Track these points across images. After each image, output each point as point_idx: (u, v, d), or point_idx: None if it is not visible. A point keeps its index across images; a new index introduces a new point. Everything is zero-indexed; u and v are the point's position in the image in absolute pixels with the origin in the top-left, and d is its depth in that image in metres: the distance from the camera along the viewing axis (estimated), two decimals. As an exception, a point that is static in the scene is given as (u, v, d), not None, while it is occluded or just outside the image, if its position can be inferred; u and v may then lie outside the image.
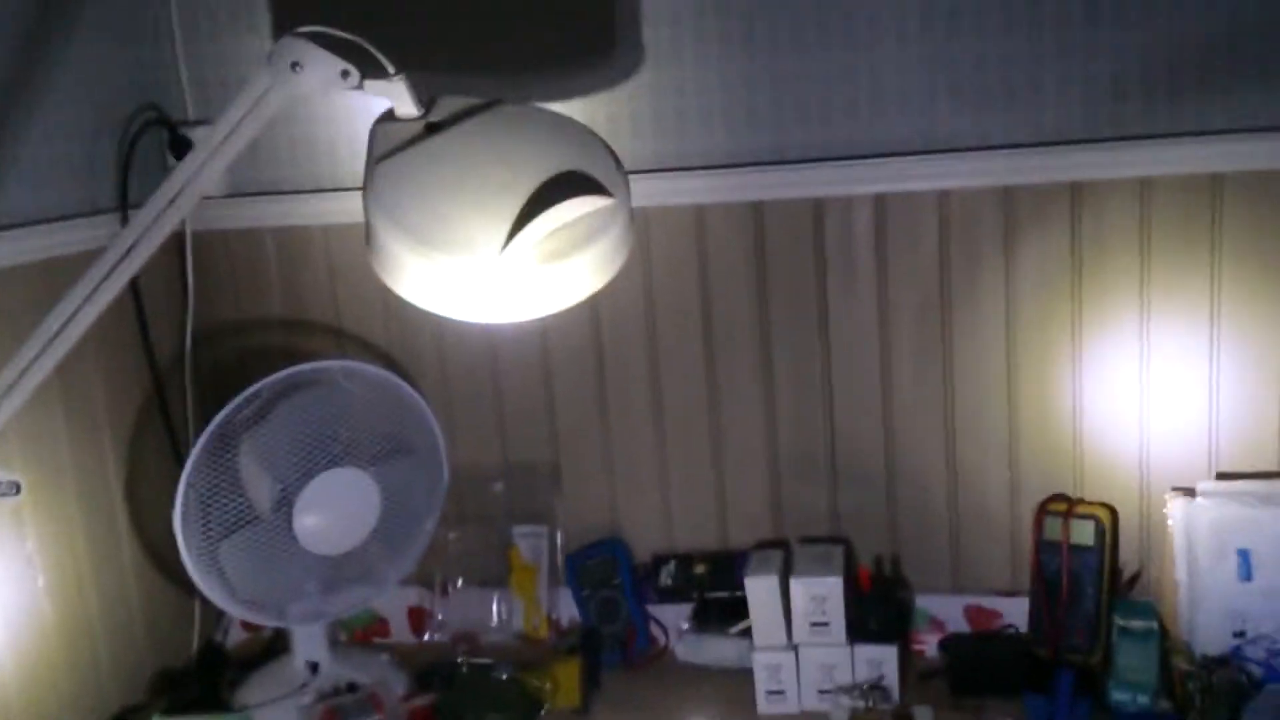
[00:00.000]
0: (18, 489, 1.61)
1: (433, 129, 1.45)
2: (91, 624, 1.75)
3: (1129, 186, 1.61)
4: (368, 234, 1.45)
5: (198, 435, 1.60)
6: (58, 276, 1.46)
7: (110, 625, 1.78)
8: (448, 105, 1.49)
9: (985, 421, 1.74)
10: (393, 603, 1.93)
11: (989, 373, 1.72)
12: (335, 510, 1.68)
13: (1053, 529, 1.68)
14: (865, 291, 1.74)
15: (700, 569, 1.83)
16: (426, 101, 1.45)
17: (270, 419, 1.65)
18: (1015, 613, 1.74)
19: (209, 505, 1.62)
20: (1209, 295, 1.62)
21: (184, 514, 1.60)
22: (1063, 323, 1.68)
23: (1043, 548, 1.69)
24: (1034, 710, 1.56)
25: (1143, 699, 1.52)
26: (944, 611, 1.78)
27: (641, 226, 1.74)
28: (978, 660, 1.67)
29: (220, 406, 1.60)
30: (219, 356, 1.97)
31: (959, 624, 1.77)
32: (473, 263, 1.37)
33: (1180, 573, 1.60)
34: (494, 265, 1.37)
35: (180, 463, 1.61)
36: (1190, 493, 1.62)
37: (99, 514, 1.77)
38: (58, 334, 1.34)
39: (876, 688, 1.61)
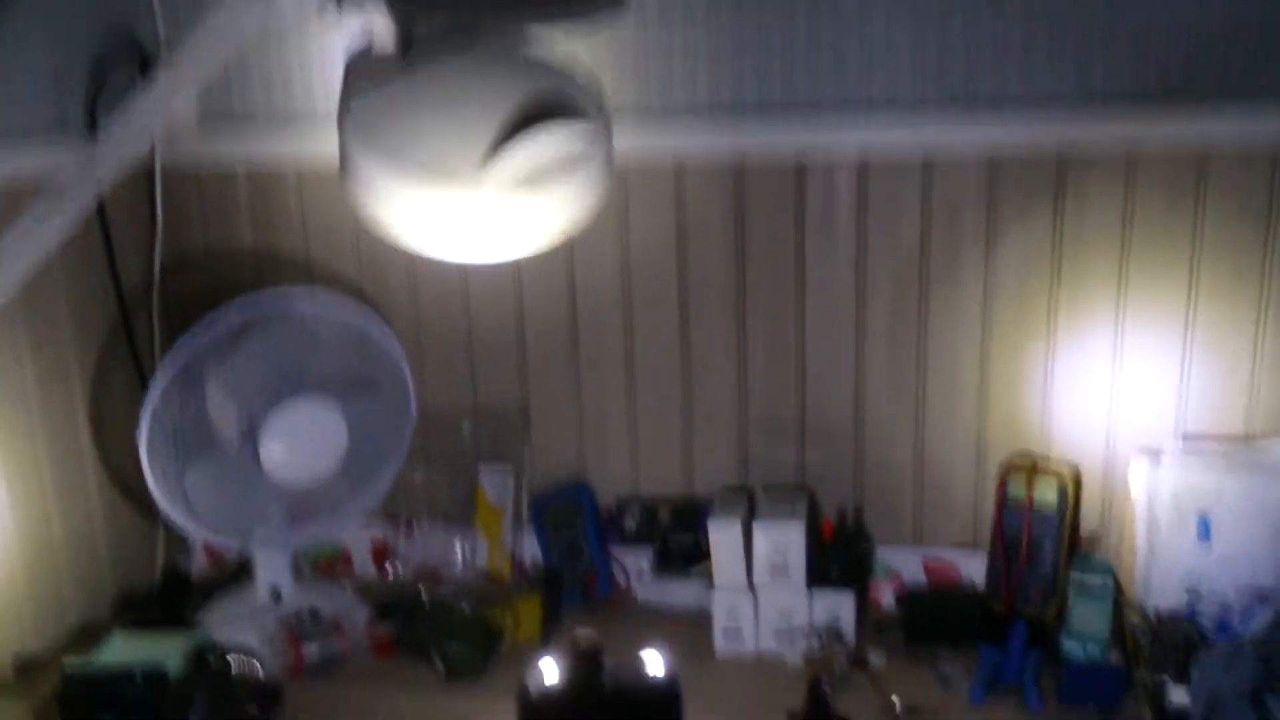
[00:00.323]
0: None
1: (410, 55, 1.43)
2: (54, 544, 1.74)
3: (1114, 157, 1.60)
4: (342, 163, 1.43)
5: (164, 365, 1.59)
6: (22, 199, 1.44)
7: (73, 546, 1.78)
8: (426, 32, 1.47)
9: (956, 380, 1.74)
10: (357, 537, 1.93)
11: (962, 334, 1.72)
12: (301, 442, 1.68)
13: (1016, 487, 1.69)
14: (843, 256, 1.73)
15: (664, 514, 1.84)
16: (405, 29, 1.43)
17: (237, 349, 1.64)
18: (974, 568, 1.75)
19: (174, 432, 1.61)
20: (1188, 261, 1.61)
21: (149, 440, 1.59)
22: (1040, 289, 1.67)
23: (1005, 505, 1.69)
24: (986, 659, 1.57)
25: (1093, 650, 1.53)
26: (903, 564, 1.78)
27: (620, 183, 1.73)
28: (933, 612, 1.68)
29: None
30: (187, 289, 1.95)
31: (917, 577, 1.78)
32: (451, 187, 1.36)
33: (1139, 533, 1.61)
34: (473, 189, 1.36)
35: (146, 390, 1.60)
36: (1155, 455, 1.62)
37: (64, 438, 1.76)
38: (19, 252, 1.33)
39: (832, 631, 1.62)
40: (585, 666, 1.53)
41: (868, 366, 1.76)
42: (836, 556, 1.69)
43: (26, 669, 1.67)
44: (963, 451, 1.75)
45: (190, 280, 1.95)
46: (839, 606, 1.65)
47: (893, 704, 1.51)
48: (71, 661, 1.56)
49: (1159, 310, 1.64)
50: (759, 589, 1.67)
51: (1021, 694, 1.52)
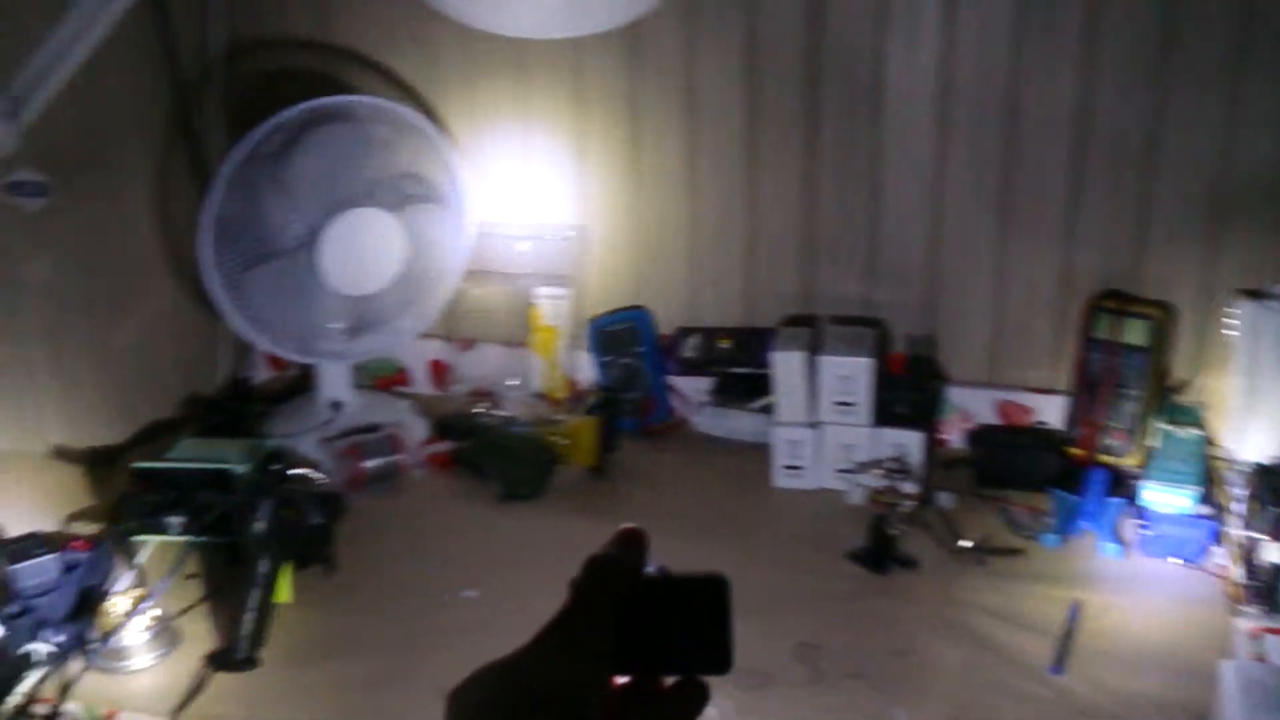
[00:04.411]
0: (44, 190, 1.44)
1: None
2: (122, 344, 1.61)
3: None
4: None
5: (223, 166, 1.42)
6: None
7: (139, 349, 1.64)
8: None
9: (1042, 210, 1.50)
10: (415, 354, 1.77)
11: (1049, 158, 1.47)
12: (359, 250, 1.52)
13: (1102, 326, 1.47)
14: (925, 67, 1.48)
15: (725, 343, 1.65)
16: None
17: (296, 151, 1.47)
18: (1050, 411, 1.54)
19: (235, 233, 1.46)
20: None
21: (210, 238, 1.44)
22: (1144, 100, 1.41)
23: (1089, 345, 1.48)
24: (1062, 506, 1.38)
25: (1180, 501, 1.33)
26: (975, 404, 1.58)
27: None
28: (1007, 452, 1.49)
29: (245, 129, 1.41)
30: (243, 79, 1.72)
31: (990, 419, 1.58)
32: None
33: (1238, 378, 1.38)
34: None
35: (208, 188, 1.44)
36: (1258, 294, 1.38)
37: (127, 231, 1.62)
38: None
39: (899, 469, 1.42)
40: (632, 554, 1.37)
41: (946, 188, 1.53)
42: (904, 393, 1.49)
43: (99, 462, 1.57)
44: (1045, 286, 1.53)
45: (247, 70, 1.73)
46: (906, 445, 1.46)
47: (960, 547, 1.33)
48: (142, 462, 1.45)
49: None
50: (822, 425, 1.49)
51: (1097, 543, 1.33)
